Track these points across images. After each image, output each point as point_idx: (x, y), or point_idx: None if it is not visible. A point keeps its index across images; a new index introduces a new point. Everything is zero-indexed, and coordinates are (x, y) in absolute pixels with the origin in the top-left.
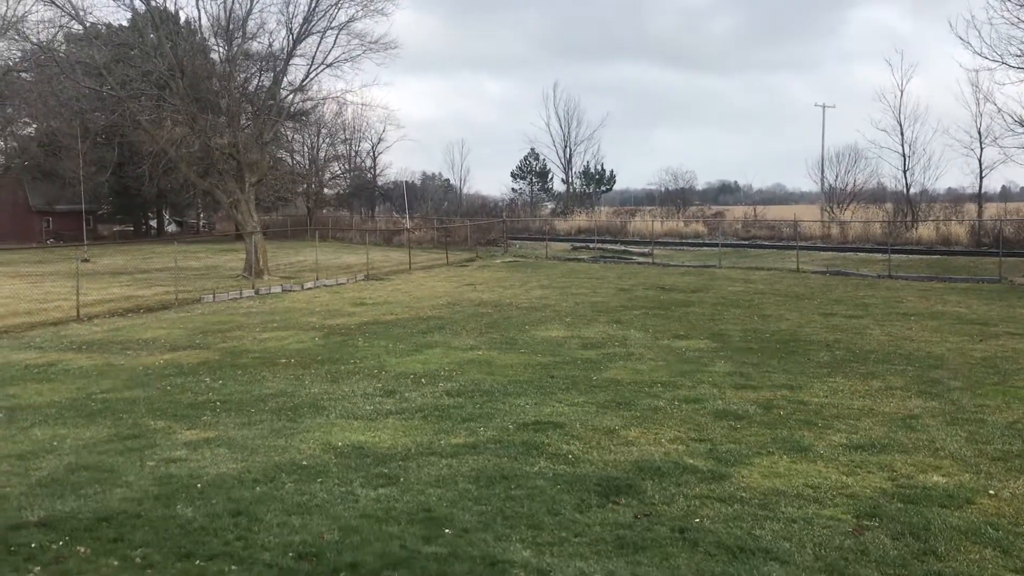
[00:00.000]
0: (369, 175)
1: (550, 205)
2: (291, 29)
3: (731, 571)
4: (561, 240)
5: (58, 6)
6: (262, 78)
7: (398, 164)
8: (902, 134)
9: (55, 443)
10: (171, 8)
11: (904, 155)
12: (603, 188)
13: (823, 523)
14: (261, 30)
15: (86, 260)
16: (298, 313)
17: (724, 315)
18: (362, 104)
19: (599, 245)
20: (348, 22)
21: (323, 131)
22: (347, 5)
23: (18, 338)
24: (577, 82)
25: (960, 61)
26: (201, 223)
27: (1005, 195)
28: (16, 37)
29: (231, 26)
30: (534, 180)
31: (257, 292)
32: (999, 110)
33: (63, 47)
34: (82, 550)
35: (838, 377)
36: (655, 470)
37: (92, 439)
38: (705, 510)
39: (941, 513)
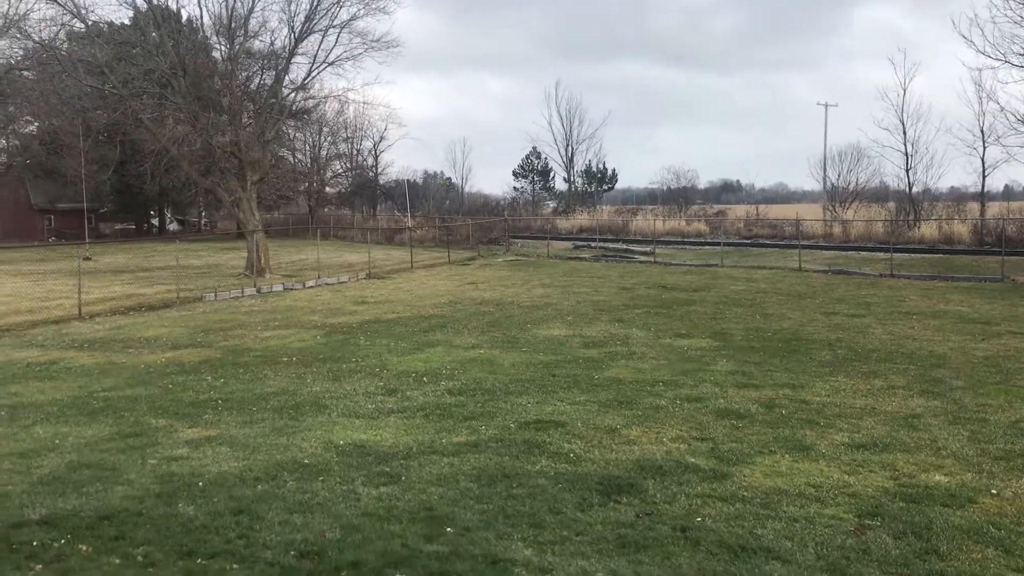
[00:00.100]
0: (371, 174)
1: (552, 204)
2: (293, 27)
3: (733, 570)
4: (563, 239)
5: (60, 4)
6: (264, 76)
7: (400, 163)
8: (905, 133)
9: (57, 441)
10: (173, 6)
11: (907, 154)
12: (605, 187)
13: (825, 522)
14: (263, 28)
15: (88, 258)
16: (300, 311)
17: (726, 314)
18: (364, 102)
19: (601, 244)
20: (350, 20)
21: (325, 129)
22: (349, 3)
23: (20, 336)
24: (579, 80)
25: (963, 59)
26: (203, 221)
27: (1008, 194)
28: (18, 35)
29: (233, 24)
30: (536, 179)
31: (259, 290)
32: (1002, 109)
33: (65, 45)
34: (84, 548)
35: (840, 376)
36: (657, 469)
37: (94, 437)
38: (707, 509)
39: (943, 512)
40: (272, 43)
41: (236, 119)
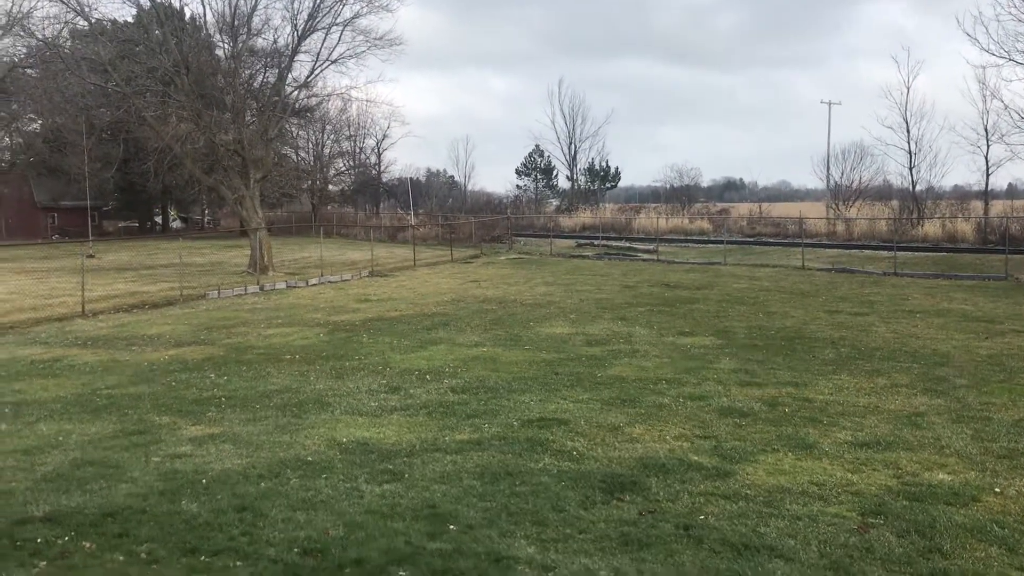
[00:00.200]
0: (374, 172)
1: (555, 202)
2: (296, 25)
3: (736, 568)
4: (566, 237)
5: (63, 2)
6: (267, 74)
7: (403, 161)
8: (908, 131)
9: (60, 438)
10: (176, 4)
11: (910, 152)
12: (608, 185)
13: (828, 520)
14: (266, 26)
15: (91, 256)
16: (303, 309)
17: (729, 312)
18: (367, 100)
19: (604, 242)
20: (353, 18)
21: (328, 127)
22: (352, 1)
23: (23, 334)
24: (582, 78)
25: (967, 57)
26: (206, 219)
27: (1012, 192)
28: (21, 33)
29: (236, 22)
30: (539, 177)
31: (262, 288)
32: (1006, 107)
33: (68, 43)
34: (87, 545)
35: (843, 374)
36: (660, 467)
37: (97, 435)
38: (710, 507)
39: (947, 511)
40: (275, 41)
41: (239, 117)
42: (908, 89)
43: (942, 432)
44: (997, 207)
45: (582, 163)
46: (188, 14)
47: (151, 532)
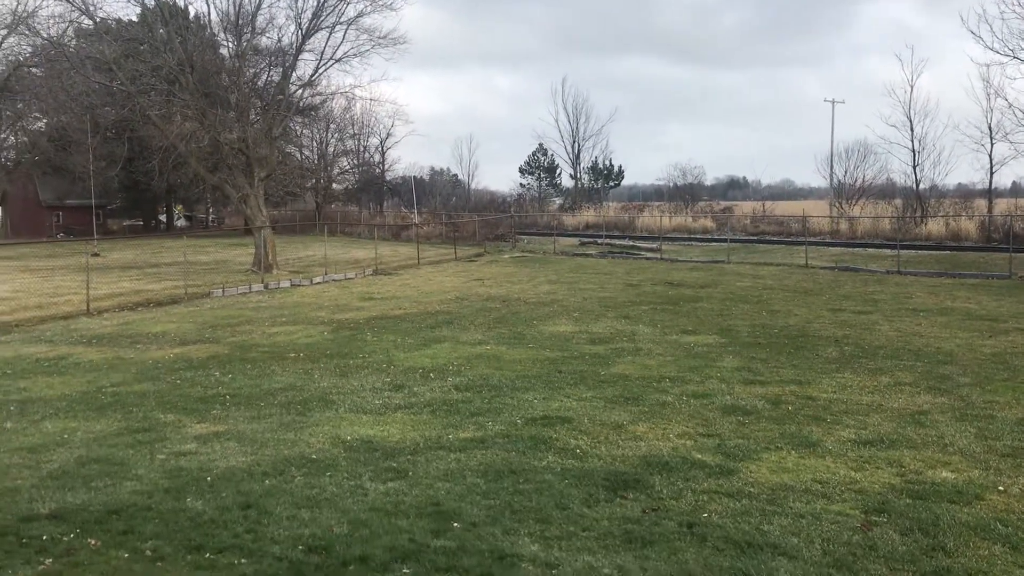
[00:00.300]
0: (377, 170)
1: (558, 200)
2: (300, 24)
3: (739, 566)
4: (569, 235)
5: (68, 1)
6: (271, 73)
7: (407, 159)
8: (912, 129)
9: (66, 436)
10: (180, 3)
11: (914, 151)
12: (611, 183)
13: (831, 518)
14: (270, 25)
15: (96, 254)
16: (307, 307)
17: (732, 311)
18: (371, 99)
19: (607, 240)
20: (357, 17)
21: (332, 126)
22: (356, 0)
23: (29, 332)
24: (585, 77)
25: (971, 56)
26: (210, 218)
27: (1015, 191)
28: (27, 32)
29: (240, 21)
30: (542, 175)
31: (266, 286)
32: (1010, 105)
33: (73, 42)
34: (93, 542)
35: (847, 373)
36: (663, 465)
37: (102, 432)
38: (713, 505)
39: (950, 509)
40: (279, 40)
41: (243, 116)
42: (912, 87)
43: (945, 430)
44: (1001, 205)
45: (585, 162)
46: (192, 13)
47: (156, 529)
